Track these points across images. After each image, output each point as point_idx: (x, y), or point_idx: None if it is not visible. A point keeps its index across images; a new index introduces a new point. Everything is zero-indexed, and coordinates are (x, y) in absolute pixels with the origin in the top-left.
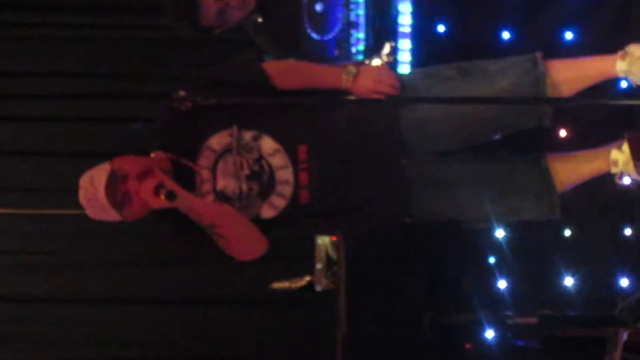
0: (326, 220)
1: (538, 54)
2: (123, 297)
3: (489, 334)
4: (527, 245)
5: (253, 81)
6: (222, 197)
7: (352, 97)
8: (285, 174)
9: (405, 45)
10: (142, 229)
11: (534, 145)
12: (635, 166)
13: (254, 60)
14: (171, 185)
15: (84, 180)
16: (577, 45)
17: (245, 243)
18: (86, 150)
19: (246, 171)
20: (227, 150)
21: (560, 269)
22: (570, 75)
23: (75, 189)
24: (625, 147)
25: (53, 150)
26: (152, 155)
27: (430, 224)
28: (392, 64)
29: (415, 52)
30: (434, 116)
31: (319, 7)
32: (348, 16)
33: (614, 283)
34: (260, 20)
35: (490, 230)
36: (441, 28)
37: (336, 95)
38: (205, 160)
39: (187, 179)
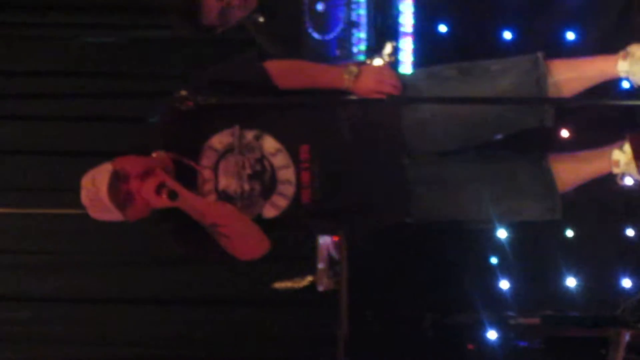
0: (328, 220)
1: (539, 54)
2: (123, 297)
3: (491, 334)
4: (529, 246)
5: (254, 81)
6: (224, 196)
7: (353, 97)
8: (287, 174)
9: (406, 45)
10: (142, 228)
11: (536, 145)
12: (637, 166)
13: (256, 60)
14: (173, 184)
15: (85, 181)
16: (579, 46)
17: (247, 243)
18: (86, 150)
19: (248, 171)
20: (228, 149)
21: (562, 270)
22: (572, 75)
23: (75, 189)
24: (627, 147)
25: (53, 150)
26: (154, 155)
27: (432, 224)
28: (394, 64)
29: (416, 52)
30: (436, 116)
31: (320, 7)
32: (349, 16)
33: (616, 284)
34: (261, 19)
35: (492, 231)
36: (443, 28)
37: (338, 95)
38: (207, 159)
39: (189, 178)
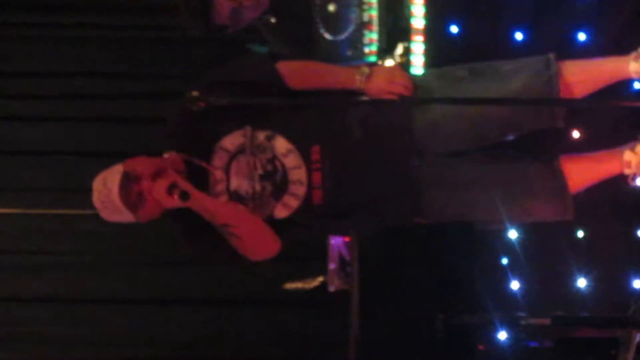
0: (339, 221)
1: (551, 55)
2: (125, 297)
3: (502, 335)
4: (540, 246)
5: (266, 81)
6: (235, 197)
7: (365, 98)
8: (298, 174)
9: (418, 46)
10: (145, 228)
11: (547, 146)
12: None
13: (267, 61)
14: (184, 185)
15: (97, 183)
16: (590, 46)
17: (258, 243)
18: (86, 150)
19: (259, 171)
20: (240, 150)
21: (573, 270)
22: (583, 76)
23: (76, 189)
24: (639, 148)
25: (53, 150)
26: (165, 155)
27: (443, 224)
28: (405, 65)
29: (428, 52)
30: (447, 117)
31: (332, 8)
32: (361, 17)
33: (626, 284)
34: (273, 20)
35: (502, 231)
36: (454, 29)
37: (349, 96)
38: (218, 160)
39: (200, 179)
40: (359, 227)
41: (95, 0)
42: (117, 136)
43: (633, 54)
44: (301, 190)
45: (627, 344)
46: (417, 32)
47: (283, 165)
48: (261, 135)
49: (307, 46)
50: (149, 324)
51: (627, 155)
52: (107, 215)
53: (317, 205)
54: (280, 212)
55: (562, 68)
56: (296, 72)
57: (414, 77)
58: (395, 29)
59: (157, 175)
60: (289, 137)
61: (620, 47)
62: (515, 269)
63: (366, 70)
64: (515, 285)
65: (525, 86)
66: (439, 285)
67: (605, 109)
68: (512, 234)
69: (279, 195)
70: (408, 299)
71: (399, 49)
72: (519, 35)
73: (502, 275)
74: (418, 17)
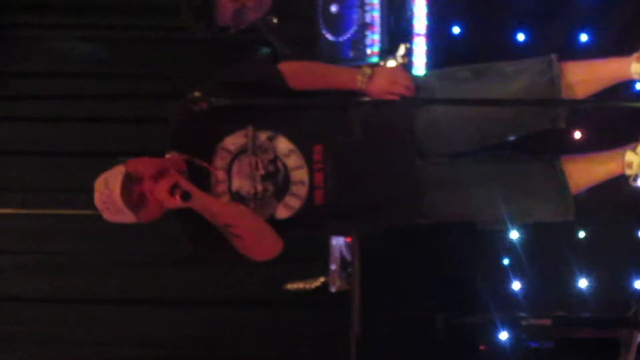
0: (341, 221)
1: (553, 56)
2: (125, 297)
3: (503, 335)
4: (541, 247)
5: (268, 82)
6: (237, 197)
7: (367, 98)
8: (300, 175)
9: (420, 47)
10: (144, 229)
11: (549, 146)
12: None
13: (269, 61)
14: (186, 185)
15: (98, 184)
16: (592, 47)
17: (260, 243)
18: (86, 150)
19: (261, 172)
20: (242, 150)
21: (575, 271)
22: (585, 77)
23: (75, 189)
24: None
25: (53, 150)
26: (167, 156)
27: (444, 224)
28: (407, 66)
29: (430, 53)
30: (449, 117)
31: (334, 9)
32: (363, 17)
33: (628, 285)
34: (275, 21)
35: (504, 232)
36: (456, 30)
37: (351, 97)
38: (220, 160)
39: (202, 179)
40: (361, 228)
41: (96, 0)
42: (117, 136)
43: (635, 55)
44: (303, 190)
45: (628, 345)
46: (419, 33)
47: (285, 166)
48: (263, 136)
49: (309, 47)
50: (149, 324)
51: (629, 155)
52: (109, 216)
53: (319, 206)
54: (282, 213)
55: (564, 69)
56: (298, 73)
57: (415, 78)
58: (397, 30)
59: (159, 175)
60: (291, 138)
61: (621, 48)
62: (516, 270)
63: (368, 70)
64: (516, 285)
65: (527, 87)
66: (440, 286)
67: (606, 110)
68: (514, 235)
69: (280, 195)
70: (409, 299)
71: (401, 49)
72: (521, 36)
73: (504, 276)
74: (420, 18)
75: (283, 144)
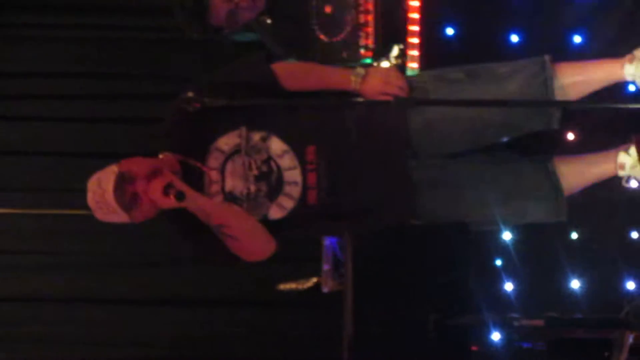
0: (334, 221)
1: (546, 57)
2: (124, 297)
3: (495, 336)
4: (534, 248)
5: (261, 82)
6: (230, 197)
7: (360, 99)
8: (293, 175)
9: (413, 48)
10: (144, 229)
11: (542, 147)
12: None
13: (263, 62)
14: (180, 185)
15: (91, 183)
16: (585, 49)
17: (253, 243)
18: (86, 150)
19: (255, 172)
20: (235, 151)
21: (567, 272)
22: (578, 78)
23: (75, 189)
24: (633, 150)
25: (53, 150)
26: (161, 156)
27: (437, 225)
28: (401, 66)
29: (423, 54)
30: (442, 118)
31: (328, 9)
32: (357, 18)
33: (620, 286)
34: (269, 21)
35: (497, 233)
36: (450, 31)
37: (344, 97)
38: (214, 161)
39: (195, 180)
40: (354, 228)
41: (95, 0)
42: (117, 136)
43: (627, 57)
44: (296, 191)
45: (620, 345)
46: (413, 33)
47: (278, 166)
48: (256, 136)
49: (303, 47)
50: (146, 324)
51: (621, 157)
52: (102, 215)
53: (312, 206)
54: (275, 213)
55: (557, 70)
56: (292, 73)
57: (409, 79)
58: (391, 31)
59: (152, 175)
60: (284, 138)
61: (615, 50)
62: (509, 270)
63: (361, 71)
64: (508, 286)
65: (520, 88)
66: (433, 286)
67: (599, 111)
68: (506, 235)
69: (273, 196)
70: (402, 299)
71: (395, 50)
72: (514, 38)
73: (496, 277)
74: (414, 19)
75: (276, 145)
